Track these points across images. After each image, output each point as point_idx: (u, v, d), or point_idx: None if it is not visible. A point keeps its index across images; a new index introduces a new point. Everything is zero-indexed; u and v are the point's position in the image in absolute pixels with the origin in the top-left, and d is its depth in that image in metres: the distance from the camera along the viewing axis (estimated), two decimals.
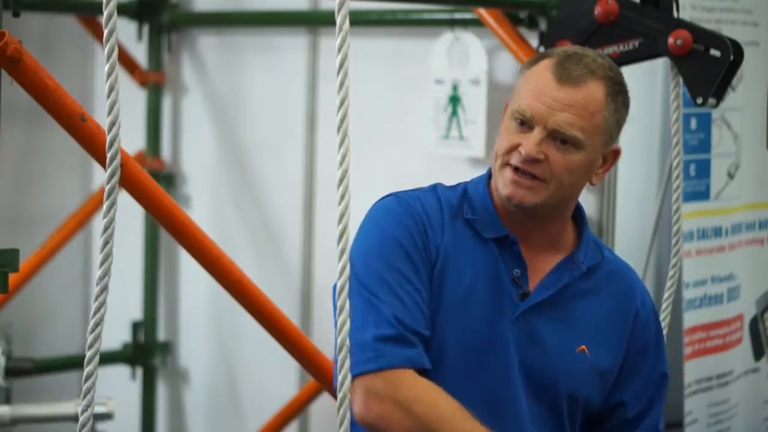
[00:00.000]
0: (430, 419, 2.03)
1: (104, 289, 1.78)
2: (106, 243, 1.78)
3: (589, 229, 2.29)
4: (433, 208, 2.17)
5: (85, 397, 1.78)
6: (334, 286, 1.89)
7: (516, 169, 2.10)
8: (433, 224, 2.15)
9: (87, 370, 1.78)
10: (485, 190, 2.20)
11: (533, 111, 2.09)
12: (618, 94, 2.15)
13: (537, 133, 2.08)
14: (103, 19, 1.74)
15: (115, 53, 1.74)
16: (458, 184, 2.25)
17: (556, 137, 2.09)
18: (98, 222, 2.27)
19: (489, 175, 2.22)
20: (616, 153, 2.21)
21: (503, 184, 2.12)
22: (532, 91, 2.10)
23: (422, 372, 2.08)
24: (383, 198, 2.21)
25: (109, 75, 1.75)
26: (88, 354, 1.77)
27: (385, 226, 2.14)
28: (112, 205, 1.78)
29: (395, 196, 2.20)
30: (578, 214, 2.26)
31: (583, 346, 2.18)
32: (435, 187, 2.23)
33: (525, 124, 2.10)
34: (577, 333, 2.18)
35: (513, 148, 2.10)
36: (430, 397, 2.04)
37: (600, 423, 2.27)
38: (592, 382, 2.19)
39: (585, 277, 2.21)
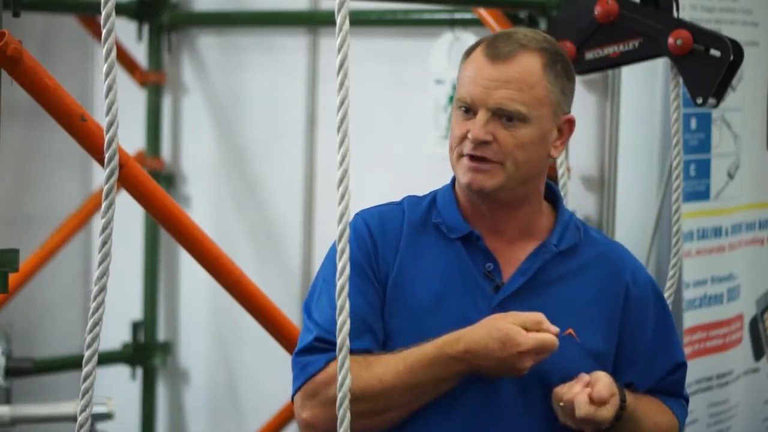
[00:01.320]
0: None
1: (102, 289, 1.78)
2: (104, 243, 1.78)
3: (567, 212, 2.25)
4: (392, 221, 2.19)
5: (83, 396, 1.78)
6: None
7: (471, 157, 2.11)
8: (387, 239, 2.17)
9: (86, 370, 1.78)
10: (451, 193, 2.22)
11: (472, 95, 2.10)
12: (556, 63, 2.13)
13: (481, 115, 2.09)
14: (101, 19, 1.74)
15: (113, 53, 1.74)
16: (429, 193, 2.26)
17: (501, 115, 2.09)
18: (98, 222, 2.27)
19: (454, 179, 2.23)
20: (571, 122, 2.18)
21: (462, 174, 2.13)
22: (469, 77, 2.12)
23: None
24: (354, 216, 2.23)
25: (107, 75, 1.75)
26: (87, 354, 1.77)
27: (334, 252, 2.13)
28: (111, 204, 1.78)
29: (359, 215, 2.22)
30: (553, 197, 2.25)
31: (570, 330, 2.14)
32: (403, 200, 2.25)
33: (469, 111, 2.11)
34: (562, 317, 2.13)
35: (463, 137, 2.11)
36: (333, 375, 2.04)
37: None
38: (585, 365, 2.15)
39: (563, 260, 2.19)
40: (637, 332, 2.22)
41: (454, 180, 2.24)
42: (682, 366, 2.29)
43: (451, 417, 2.11)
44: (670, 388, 2.27)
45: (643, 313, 2.23)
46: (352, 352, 2.05)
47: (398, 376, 2.05)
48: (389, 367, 2.06)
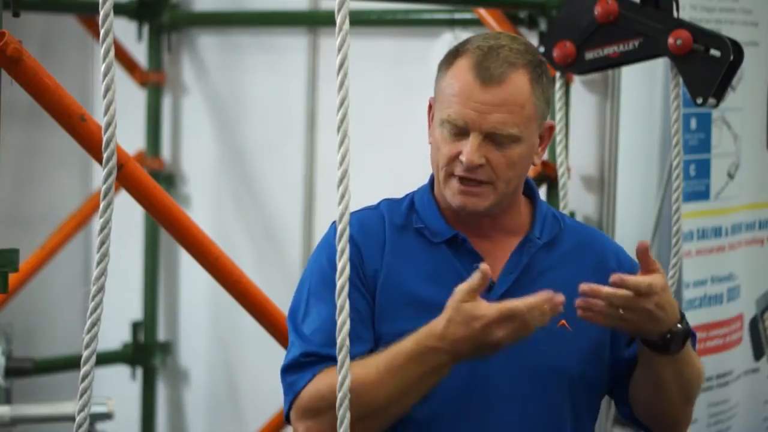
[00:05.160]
0: (333, 400, 1.92)
1: (101, 289, 1.78)
2: (102, 243, 1.78)
3: (544, 204, 2.25)
4: (373, 227, 2.17)
5: (81, 396, 1.78)
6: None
7: (461, 179, 2.09)
8: (371, 246, 2.15)
9: (84, 370, 1.78)
10: (429, 197, 2.20)
11: (465, 118, 2.07)
12: (541, 76, 2.12)
13: (474, 139, 2.06)
14: (99, 19, 1.74)
15: (112, 53, 1.74)
16: (406, 196, 2.24)
17: (494, 138, 2.07)
18: (98, 222, 2.27)
19: (431, 182, 2.21)
20: (551, 129, 2.18)
21: (452, 196, 2.11)
22: (458, 97, 2.08)
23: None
24: (330, 226, 2.20)
25: (105, 74, 1.75)
26: (85, 354, 1.77)
27: (318, 263, 2.16)
28: (109, 205, 1.78)
29: (333, 224, 2.17)
30: (529, 191, 2.24)
31: (563, 321, 2.13)
32: (380, 204, 2.23)
33: (459, 131, 2.09)
34: None
35: (454, 158, 2.09)
36: (324, 382, 2.03)
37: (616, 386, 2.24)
38: (582, 356, 2.15)
39: (548, 251, 2.18)
40: None
41: (431, 183, 2.21)
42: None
43: (439, 407, 2.09)
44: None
45: None
46: (325, 357, 2.05)
47: (379, 377, 2.01)
48: (368, 369, 2.01)
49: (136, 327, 4.41)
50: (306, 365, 2.09)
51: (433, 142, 2.14)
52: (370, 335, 2.12)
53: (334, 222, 2.17)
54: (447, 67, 2.14)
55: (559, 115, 3.20)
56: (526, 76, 2.09)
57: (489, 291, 2.13)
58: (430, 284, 2.13)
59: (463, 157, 2.07)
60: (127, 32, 4.35)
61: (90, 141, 2.43)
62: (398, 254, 2.15)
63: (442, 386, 2.08)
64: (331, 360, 2.03)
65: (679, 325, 2.08)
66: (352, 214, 2.16)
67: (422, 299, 2.12)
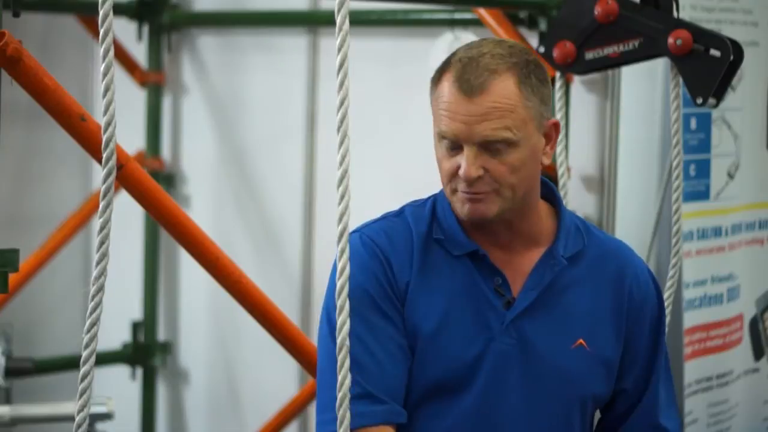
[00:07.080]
0: None
1: (100, 289, 1.78)
2: (102, 243, 1.78)
3: (567, 212, 2.21)
4: (401, 237, 2.14)
5: (81, 396, 1.78)
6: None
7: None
8: (400, 256, 2.12)
9: (83, 370, 1.78)
10: (448, 205, 2.15)
11: (455, 132, 2.04)
12: (529, 76, 2.07)
13: (468, 152, 2.03)
14: (98, 19, 1.74)
15: (111, 53, 1.75)
16: (427, 200, 2.20)
17: (489, 147, 2.04)
18: (98, 222, 2.27)
19: None
20: (556, 126, 2.12)
21: (460, 207, 2.08)
22: (446, 111, 2.06)
23: (398, 426, 2.07)
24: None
25: (105, 75, 1.76)
26: (84, 354, 1.77)
27: (352, 275, 2.06)
28: (108, 205, 1.79)
29: (359, 233, 2.14)
30: (551, 195, 2.20)
31: (581, 340, 2.12)
32: (403, 211, 2.19)
33: (454, 144, 2.06)
34: (573, 328, 2.13)
35: (454, 173, 2.06)
36: None
37: (603, 411, 2.24)
38: (596, 375, 2.15)
39: (571, 267, 2.15)
40: (639, 333, 2.20)
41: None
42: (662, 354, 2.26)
43: (454, 424, 2.09)
44: (664, 402, 2.25)
45: (644, 315, 2.21)
46: (389, 392, 2.05)
47: None
48: None
49: (136, 327, 4.41)
50: (368, 398, 2.05)
51: (436, 156, 2.11)
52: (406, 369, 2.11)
53: (357, 231, 2.15)
54: (435, 82, 2.11)
55: (559, 115, 3.19)
56: (512, 79, 2.04)
57: (507, 308, 2.11)
58: (452, 298, 2.11)
59: (461, 172, 2.04)
60: (127, 32, 4.35)
61: (90, 141, 2.43)
62: (423, 267, 2.12)
63: (458, 403, 2.09)
64: (390, 397, 2.06)
65: None
66: (376, 222, 2.16)
67: (444, 315, 2.10)
